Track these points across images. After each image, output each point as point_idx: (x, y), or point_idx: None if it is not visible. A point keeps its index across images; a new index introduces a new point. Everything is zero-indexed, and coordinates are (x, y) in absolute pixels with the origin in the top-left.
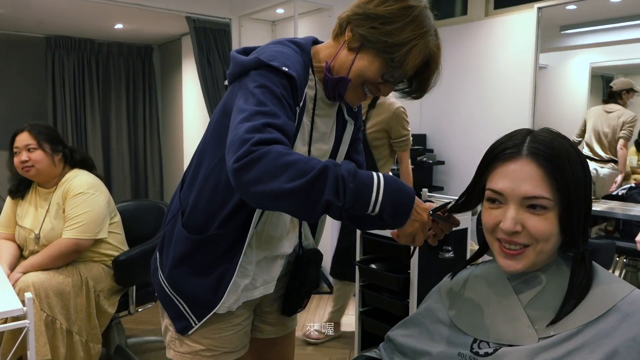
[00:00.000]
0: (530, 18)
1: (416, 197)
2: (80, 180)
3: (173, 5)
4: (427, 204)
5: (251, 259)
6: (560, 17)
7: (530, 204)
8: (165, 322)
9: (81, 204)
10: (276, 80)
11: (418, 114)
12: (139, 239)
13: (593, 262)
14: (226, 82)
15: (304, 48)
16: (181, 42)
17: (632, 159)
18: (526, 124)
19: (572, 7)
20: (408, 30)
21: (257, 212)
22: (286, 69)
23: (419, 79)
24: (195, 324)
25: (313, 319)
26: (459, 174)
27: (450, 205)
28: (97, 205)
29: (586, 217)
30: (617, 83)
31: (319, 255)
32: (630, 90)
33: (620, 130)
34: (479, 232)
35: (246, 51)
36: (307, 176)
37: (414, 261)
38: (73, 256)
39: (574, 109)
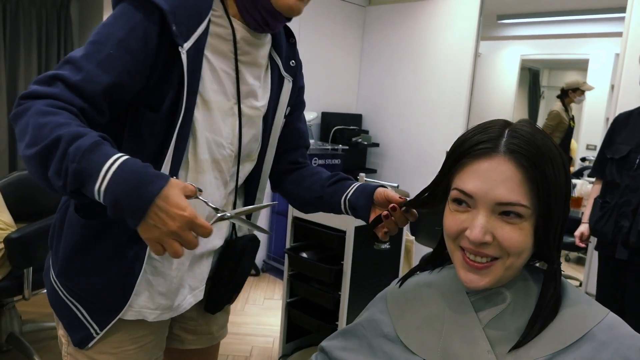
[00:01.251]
0: (473, 2)
1: (178, 198)
2: None
3: None
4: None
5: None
6: (499, 5)
7: (504, 211)
8: (60, 332)
9: None
10: (132, 19)
11: (355, 93)
12: (45, 213)
13: (563, 278)
14: None
15: None
16: None
17: None
18: (462, 111)
19: None
20: None
21: None
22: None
23: None
24: (97, 334)
25: (236, 303)
26: (394, 157)
27: (408, 201)
28: None
29: (562, 228)
30: (566, 82)
31: (254, 243)
32: (577, 90)
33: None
34: (415, 226)
35: None
36: (39, 145)
37: (348, 251)
38: None
39: (502, 100)
